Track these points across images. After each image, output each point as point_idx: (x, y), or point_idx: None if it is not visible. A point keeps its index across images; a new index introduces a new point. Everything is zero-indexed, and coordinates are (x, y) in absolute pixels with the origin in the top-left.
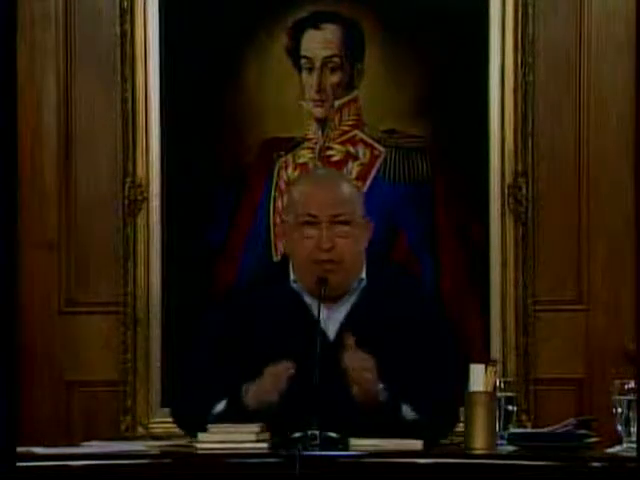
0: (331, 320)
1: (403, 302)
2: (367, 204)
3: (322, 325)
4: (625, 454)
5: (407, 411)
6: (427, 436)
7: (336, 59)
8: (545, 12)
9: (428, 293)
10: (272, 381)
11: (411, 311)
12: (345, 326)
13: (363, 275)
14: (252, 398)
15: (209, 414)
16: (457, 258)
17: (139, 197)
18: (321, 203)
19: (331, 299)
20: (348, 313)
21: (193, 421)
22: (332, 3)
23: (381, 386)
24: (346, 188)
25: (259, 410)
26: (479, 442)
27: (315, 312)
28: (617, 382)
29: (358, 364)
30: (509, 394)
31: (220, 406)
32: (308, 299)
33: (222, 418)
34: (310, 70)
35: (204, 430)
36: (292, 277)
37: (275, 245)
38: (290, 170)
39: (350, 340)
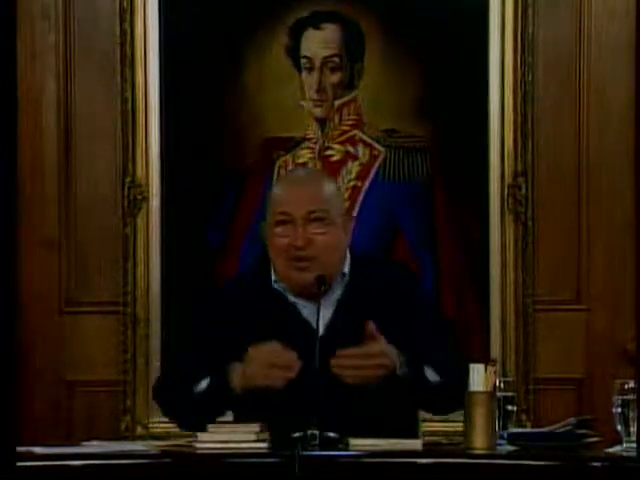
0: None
1: (388, 292)
2: (367, 204)
3: (311, 322)
4: (625, 454)
5: (431, 373)
6: (449, 397)
7: (336, 59)
8: (545, 12)
9: (413, 279)
10: (257, 366)
11: (397, 299)
12: (333, 321)
13: (346, 270)
14: (237, 380)
15: (192, 395)
16: (457, 258)
17: (139, 197)
18: (295, 201)
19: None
20: (335, 308)
21: (176, 408)
22: (332, 3)
23: (401, 358)
24: (324, 185)
25: (245, 392)
26: (479, 442)
27: (301, 310)
28: (617, 382)
29: (378, 349)
30: (509, 394)
31: (203, 384)
32: (292, 298)
33: (205, 398)
34: (310, 70)
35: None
36: (273, 277)
37: None
38: None
39: (371, 327)
